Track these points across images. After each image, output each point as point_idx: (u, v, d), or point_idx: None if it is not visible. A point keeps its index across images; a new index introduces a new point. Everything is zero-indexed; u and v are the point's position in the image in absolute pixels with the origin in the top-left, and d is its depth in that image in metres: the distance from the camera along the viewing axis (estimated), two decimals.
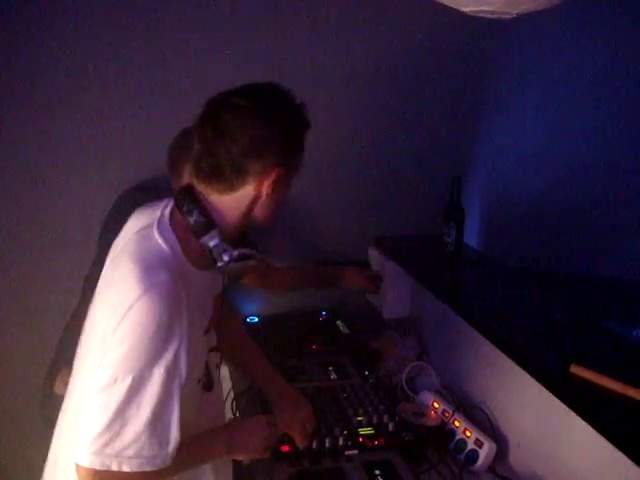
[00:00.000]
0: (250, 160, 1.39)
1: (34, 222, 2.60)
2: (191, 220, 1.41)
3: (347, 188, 2.88)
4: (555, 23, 2.83)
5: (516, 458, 1.95)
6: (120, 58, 2.55)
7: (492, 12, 1.40)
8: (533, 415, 1.89)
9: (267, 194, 1.44)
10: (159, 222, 1.45)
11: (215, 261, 1.43)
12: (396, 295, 2.67)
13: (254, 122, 1.39)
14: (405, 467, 1.84)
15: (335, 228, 2.90)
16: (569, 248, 3.03)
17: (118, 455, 1.30)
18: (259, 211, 1.47)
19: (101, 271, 1.84)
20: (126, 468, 1.31)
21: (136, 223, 1.53)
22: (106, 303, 1.38)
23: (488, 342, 1.96)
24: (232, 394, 2.21)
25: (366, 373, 2.35)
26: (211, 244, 1.42)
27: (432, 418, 2.07)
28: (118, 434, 1.29)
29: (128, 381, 1.28)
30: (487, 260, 2.56)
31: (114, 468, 1.30)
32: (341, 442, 1.89)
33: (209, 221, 1.42)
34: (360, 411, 2.06)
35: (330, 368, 2.38)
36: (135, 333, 1.28)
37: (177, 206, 1.45)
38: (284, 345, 2.49)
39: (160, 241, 1.40)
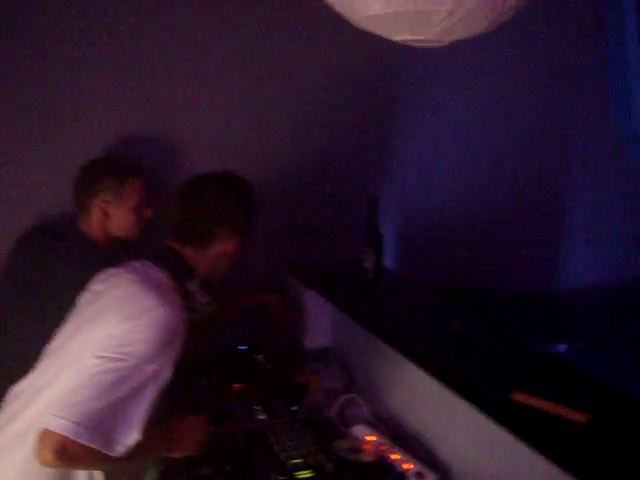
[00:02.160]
0: (220, 228, 1.84)
1: None
2: (176, 269, 1.77)
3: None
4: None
5: None
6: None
7: (425, 41, 1.36)
8: (472, 441, 1.86)
9: (229, 254, 1.88)
10: (141, 266, 1.76)
11: (191, 303, 1.79)
12: (317, 324, 2.61)
13: (226, 201, 1.86)
14: None
15: (248, 255, 2.80)
16: (484, 265, 3.07)
17: (92, 430, 1.42)
18: (220, 267, 1.90)
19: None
20: (93, 444, 1.43)
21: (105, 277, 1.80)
22: (113, 315, 1.59)
23: (419, 370, 1.93)
24: None
25: (293, 409, 2.26)
26: (191, 288, 1.80)
27: (369, 453, 2.01)
28: (101, 409, 1.45)
29: (130, 363, 1.49)
30: (407, 283, 2.54)
31: (82, 441, 1.41)
32: None
33: (190, 270, 1.81)
34: (294, 453, 1.97)
35: (256, 407, 2.26)
36: (149, 330, 1.53)
37: (160, 258, 1.79)
38: (204, 386, 2.37)
39: (159, 275, 1.73)
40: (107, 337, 1.54)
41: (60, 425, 1.41)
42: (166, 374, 1.59)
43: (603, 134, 3.29)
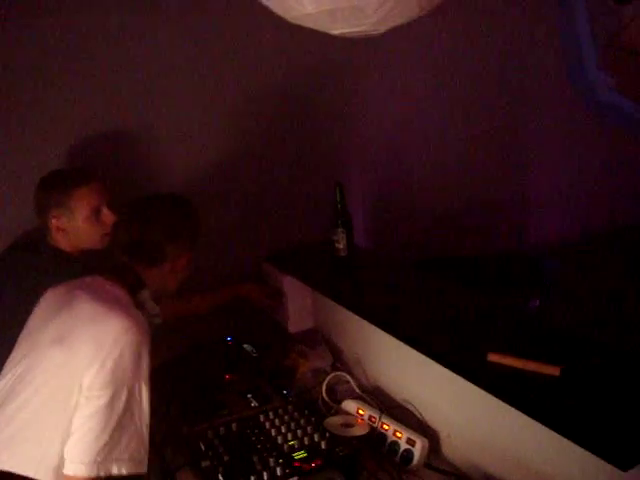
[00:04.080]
0: (169, 246, 1.90)
1: None
2: (128, 281, 1.82)
3: (231, 205, 2.84)
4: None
5: (449, 449, 2.00)
6: None
7: (362, 32, 1.41)
8: (455, 404, 1.95)
9: (179, 270, 1.96)
10: (94, 282, 1.82)
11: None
12: (298, 308, 2.67)
13: (173, 219, 1.94)
14: None
15: (222, 248, 2.84)
16: (452, 232, 3.14)
17: (118, 459, 1.56)
18: (172, 282, 1.98)
19: None
20: (124, 470, 1.57)
21: (57, 293, 1.84)
22: (83, 340, 1.62)
23: (397, 341, 2.00)
24: None
25: (284, 392, 2.33)
26: (142, 299, 1.85)
27: (361, 426, 2.09)
28: (119, 441, 1.56)
29: (125, 393, 1.58)
30: (380, 259, 2.61)
31: (115, 472, 1.55)
32: (279, 472, 1.86)
33: (141, 282, 1.86)
34: (289, 436, 2.04)
35: (249, 396, 2.33)
36: (127, 355, 1.59)
37: (111, 272, 1.84)
38: (196, 382, 2.42)
39: (114, 290, 1.78)
40: (86, 372, 1.57)
41: (98, 469, 1.54)
42: (147, 382, 1.66)
43: (560, 94, 3.37)
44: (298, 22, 1.46)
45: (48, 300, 1.84)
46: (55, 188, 2.24)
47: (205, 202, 2.71)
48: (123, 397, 1.57)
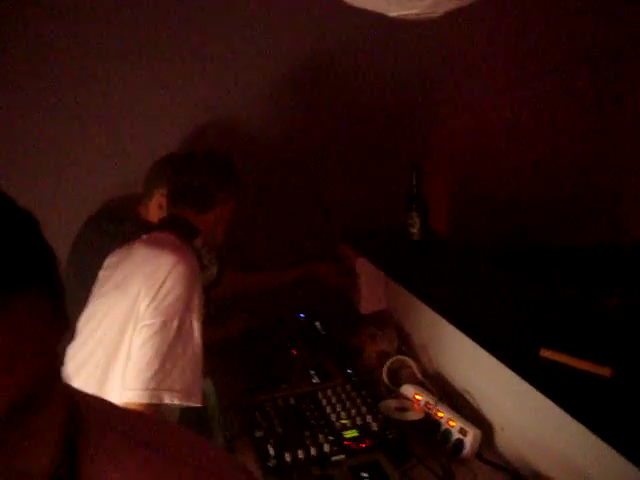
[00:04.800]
0: (219, 192, 2.00)
1: None
2: (180, 229, 1.89)
3: (307, 187, 2.88)
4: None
5: (502, 442, 1.97)
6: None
7: (418, 14, 1.39)
8: (513, 398, 1.90)
9: (226, 218, 2.05)
10: (151, 235, 1.90)
11: (200, 260, 1.88)
12: (370, 289, 2.67)
13: (217, 168, 2.05)
14: (392, 466, 1.85)
15: (298, 228, 2.88)
16: (534, 222, 3.04)
17: (170, 389, 1.62)
18: (219, 230, 2.06)
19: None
20: (176, 400, 1.64)
21: (118, 252, 1.93)
22: (138, 278, 1.71)
23: (460, 333, 1.98)
24: None
25: (348, 372, 2.36)
26: (197, 245, 1.91)
27: (416, 411, 2.09)
28: (170, 371, 1.63)
29: (176, 323, 1.65)
30: (455, 245, 2.56)
31: (166, 400, 1.62)
32: (327, 449, 1.90)
33: (193, 229, 1.93)
34: (343, 414, 2.07)
35: (312, 372, 2.38)
36: (177, 287, 1.67)
37: (167, 224, 1.96)
38: (263, 355, 2.50)
39: (168, 236, 1.86)
40: (140, 305, 1.67)
41: (150, 396, 1.61)
42: (199, 318, 1.74)
43: None
44: (358, 5, 1.46)
45: (110, 259, 1.94)
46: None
47: (287, 183, 2.80)
48: (174, 326, 1.65)
